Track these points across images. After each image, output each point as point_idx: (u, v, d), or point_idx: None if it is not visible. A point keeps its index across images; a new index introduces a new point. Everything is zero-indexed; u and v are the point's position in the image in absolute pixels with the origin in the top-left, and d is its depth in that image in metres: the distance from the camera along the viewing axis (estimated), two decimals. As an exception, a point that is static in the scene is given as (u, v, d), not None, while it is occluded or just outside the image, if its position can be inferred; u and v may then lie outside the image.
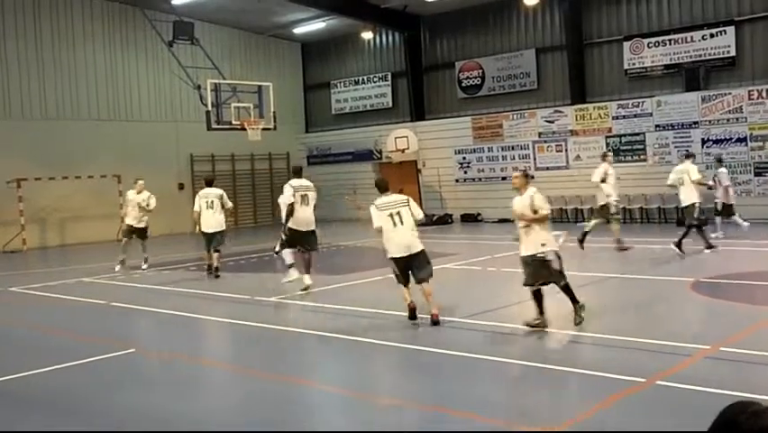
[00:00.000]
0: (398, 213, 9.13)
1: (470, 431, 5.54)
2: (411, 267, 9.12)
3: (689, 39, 21.44)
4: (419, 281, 9.11)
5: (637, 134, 21.97)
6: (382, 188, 9.59)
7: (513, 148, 24.54)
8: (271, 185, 28.71)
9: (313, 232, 12.03)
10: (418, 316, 9.06)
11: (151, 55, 25.62)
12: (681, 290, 10.72)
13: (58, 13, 24.22)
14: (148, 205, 16.04)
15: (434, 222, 24.69)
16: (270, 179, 28.95)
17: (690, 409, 5.60)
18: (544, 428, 5.46)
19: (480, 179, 25.46)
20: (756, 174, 20.03)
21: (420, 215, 9.39)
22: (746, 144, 20.13)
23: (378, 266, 13.65)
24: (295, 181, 12.13)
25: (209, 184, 14.92)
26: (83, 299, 12.52)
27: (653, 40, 22.12)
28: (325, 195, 27.32)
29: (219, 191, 14.72)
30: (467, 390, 6.44)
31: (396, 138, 26.69)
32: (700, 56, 21.22)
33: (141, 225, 16.14)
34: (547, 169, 23.71)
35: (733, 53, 20.72)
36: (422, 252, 9.18)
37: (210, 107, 19.62)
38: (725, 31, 20.83)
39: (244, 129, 19.91)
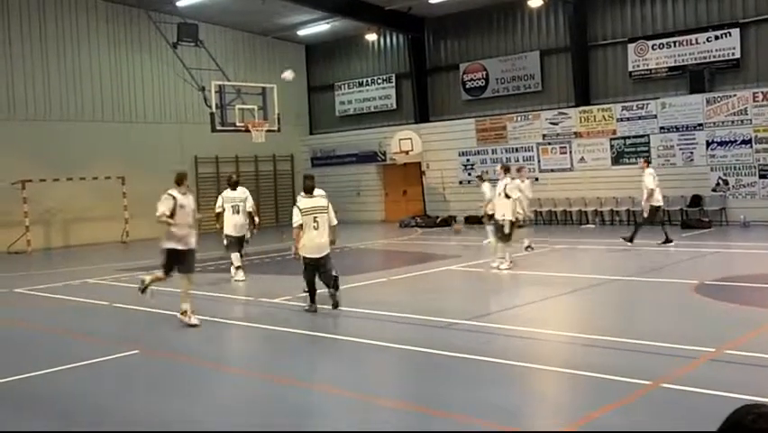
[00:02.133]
0: (318, 218, 10.09)
1: (475, 431, 5.54)
2: (319, 267, 10.14)
3: (693, 41, 21.41)
4: (326, 283, 10.17)
5: (642, 136, 21.94)
6: (308, 190, 10.37)
7: (517, 150, 24.53)
8: (275, 187, 28.77)
9: (243, 236, 13.76)
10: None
11: (156, 57, 25.67)
12: (684, 292, 10.69)
13: (62, 14, 24.28)
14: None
15: (437, 224, 24.70)
16: (274, 181, 29.00)
17: (696, 411, 5.59)
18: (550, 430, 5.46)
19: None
20: (761, 176, 19.98)
21: (335, 222, 10.32)
22: (751, 146, 20.09)
23: (379, 268, 13.65)
24: (227, 193, 13.81)
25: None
26: (87, 300, 12.53)
27: (657, 42, 22.10)
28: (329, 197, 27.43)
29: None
30: (470, 392, 6.42)
31: (400, 140, 26.71)
32: (705, 58, 21.19)
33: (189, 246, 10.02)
34: (551, 171, 23.71)
35: (737, 55, 20.69)
36: (329, 255, 10.24)
37: (214, 109, 19.68)
38: (729, 33, 20.80)
39: (248, 131, 19.94)
